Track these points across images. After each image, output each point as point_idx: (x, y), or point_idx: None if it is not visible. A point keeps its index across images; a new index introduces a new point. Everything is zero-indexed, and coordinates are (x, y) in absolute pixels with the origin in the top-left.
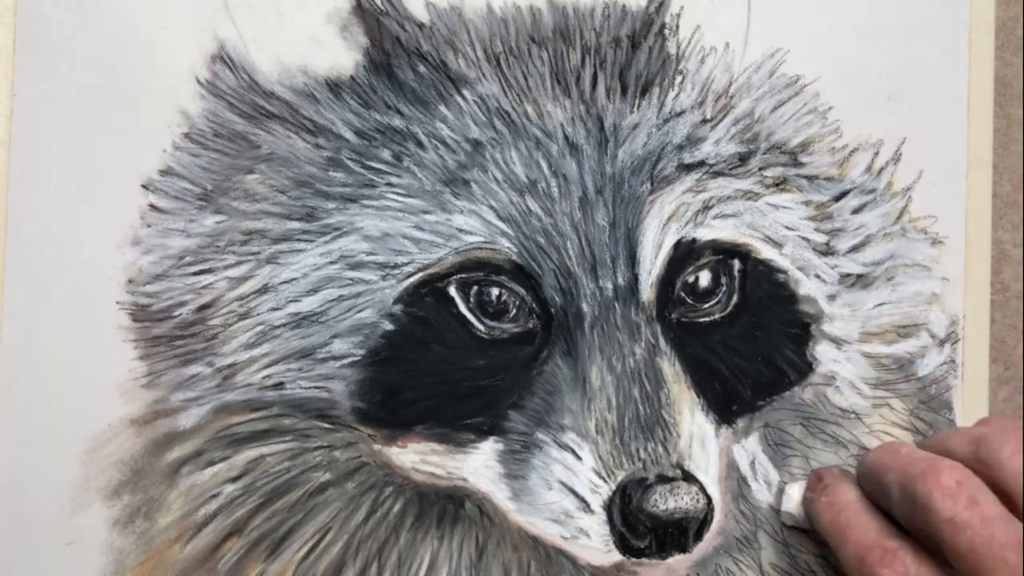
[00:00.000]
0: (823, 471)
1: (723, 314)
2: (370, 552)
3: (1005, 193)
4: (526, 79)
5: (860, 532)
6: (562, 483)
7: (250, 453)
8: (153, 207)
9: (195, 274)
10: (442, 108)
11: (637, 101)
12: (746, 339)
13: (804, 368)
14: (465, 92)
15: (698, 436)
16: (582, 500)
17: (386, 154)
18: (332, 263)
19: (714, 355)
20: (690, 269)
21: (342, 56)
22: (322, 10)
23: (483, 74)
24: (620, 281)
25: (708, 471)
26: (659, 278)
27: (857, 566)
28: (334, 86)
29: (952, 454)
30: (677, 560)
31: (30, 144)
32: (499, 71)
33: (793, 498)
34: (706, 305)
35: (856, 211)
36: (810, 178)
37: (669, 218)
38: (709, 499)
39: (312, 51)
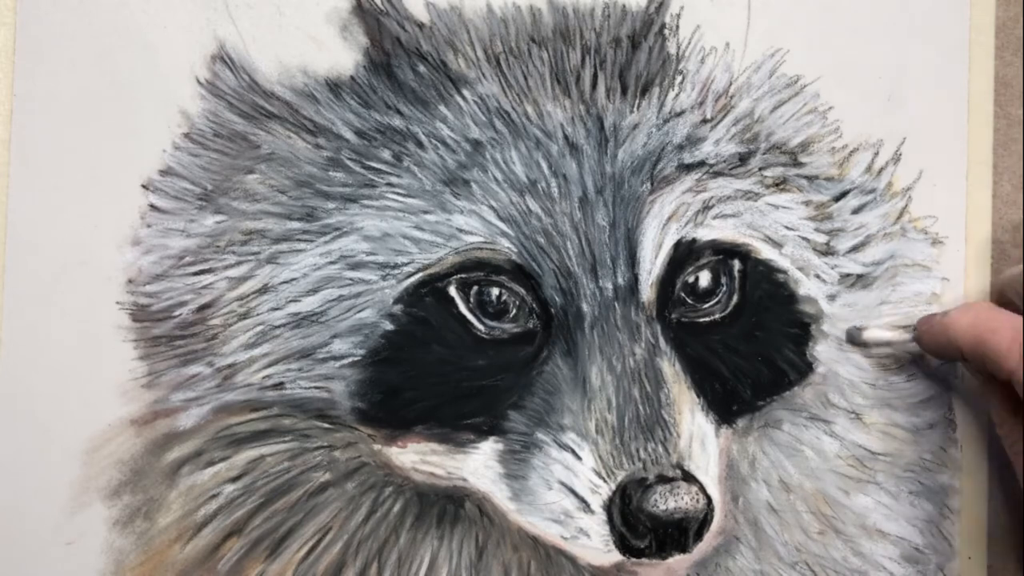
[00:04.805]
0: (922, 319)
1: (723, 314)
2: (370, 552)
3: (1005, 193)
4: (526, 79)
5: (1006, 318)
6: (562, 483)
7: (250, 453)
8: (153, 207)
9: (195, 274)
10: (442, 108)
11: (637, 101)
12: (746, 339)
13: (804, 368)
14: (465, 92)
15: (698, 436)
16: (582, 500)
17: (386, 154)
18: (332, 263)
19: (714, 355)
20: (690, 269)
21: (342, 56)
22: (322, 10)
23: (483, 74)
24: (620, 281)
25: (708, 471)
26: (659, 278)
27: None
28: (334, 86)
29: None
30: (677, 560)
31: (30, 144)
32: (499, 71)
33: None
34: (706, 305)
35: (856, 211)
36: (810, 178)
37: (669, 218)
38: (709, 499)
39: (312, 51)
